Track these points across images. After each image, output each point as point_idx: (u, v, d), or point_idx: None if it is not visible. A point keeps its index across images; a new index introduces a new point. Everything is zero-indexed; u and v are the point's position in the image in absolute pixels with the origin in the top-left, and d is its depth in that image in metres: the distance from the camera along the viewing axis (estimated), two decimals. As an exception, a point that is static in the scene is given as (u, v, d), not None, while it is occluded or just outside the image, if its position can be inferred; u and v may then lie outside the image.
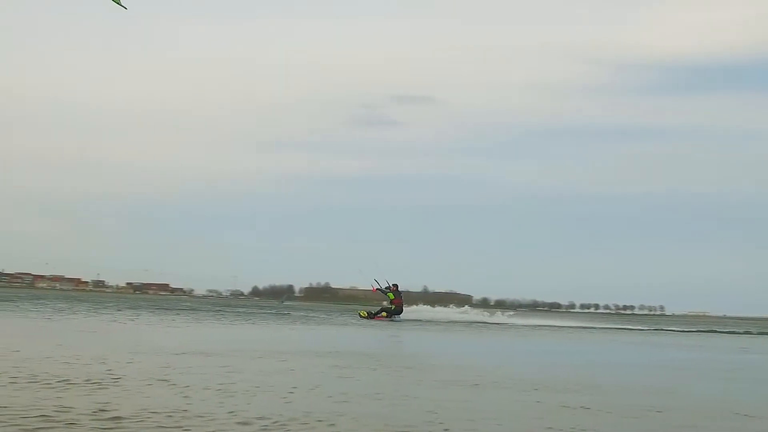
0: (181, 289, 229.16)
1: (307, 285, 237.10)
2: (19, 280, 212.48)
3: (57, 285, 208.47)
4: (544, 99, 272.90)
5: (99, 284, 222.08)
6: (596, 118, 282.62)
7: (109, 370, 13.36)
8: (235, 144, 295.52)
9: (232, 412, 9.71)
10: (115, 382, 12.00)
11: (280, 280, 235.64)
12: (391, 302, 54.48)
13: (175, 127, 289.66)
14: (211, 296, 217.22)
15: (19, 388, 10.83)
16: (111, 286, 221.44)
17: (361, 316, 55.43)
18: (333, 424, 9.24)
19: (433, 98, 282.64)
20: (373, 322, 49.83)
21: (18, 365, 13.19)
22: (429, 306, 64.84)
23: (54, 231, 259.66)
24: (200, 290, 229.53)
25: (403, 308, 54.46)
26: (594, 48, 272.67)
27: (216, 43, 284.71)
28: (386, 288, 54.81)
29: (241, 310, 64.46)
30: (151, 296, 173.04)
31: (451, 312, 62.01)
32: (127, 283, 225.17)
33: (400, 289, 54.44)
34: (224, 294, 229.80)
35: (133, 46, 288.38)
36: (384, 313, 53.83)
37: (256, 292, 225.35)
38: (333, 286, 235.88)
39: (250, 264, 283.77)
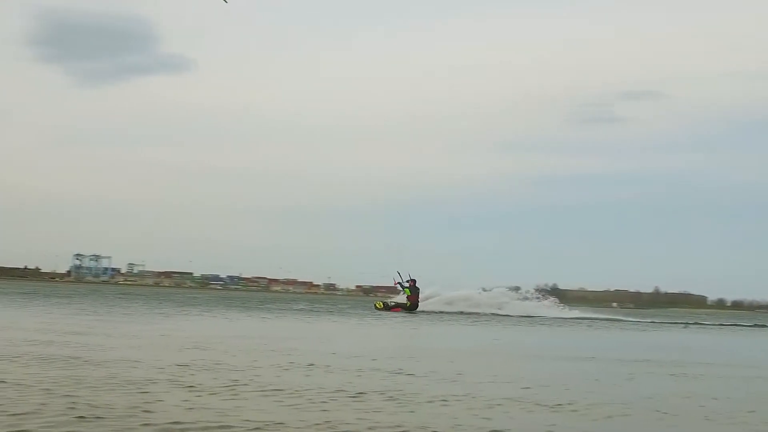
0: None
1: (533, 286, 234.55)
2: (256, 284, 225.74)
3: (290, 288, 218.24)
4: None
5: (330, 287, 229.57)
6: None
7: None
8: (460, 147, 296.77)
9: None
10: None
11: (509, 281, 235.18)
12: (407, 298, 54.87)
13: (400, 135, 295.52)
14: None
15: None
16: (341, 289, 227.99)
17: (376, 308, 56.11)
18: None
19: (661, 93, 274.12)
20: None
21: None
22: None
23: (287, 238, 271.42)
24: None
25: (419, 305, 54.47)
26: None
27: (436, 51, 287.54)
28: (407, 281, 55.06)
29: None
30: (379, 298, 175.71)
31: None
32: (357, 286, 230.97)
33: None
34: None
35: (359, 59, 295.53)
36: (399, 308, 54.30)
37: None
38: (561, 287, 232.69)
39: (481, 265, 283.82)
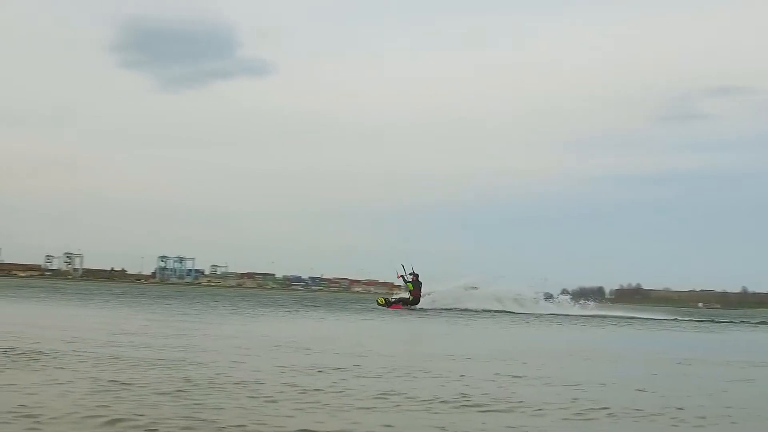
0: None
1: (617, 287, 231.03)
2: (337, 285, 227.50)
3: (371, 289, 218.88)
4: None
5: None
6: None
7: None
8: (536, 145, 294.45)
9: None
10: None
11: (590, 282, 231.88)
12: (410, 293, 53.60)
13: (469, 133, 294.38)
14: (518, 298, 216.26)
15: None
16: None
17: (379, 304, 55.41)
18: None
19: (748, 88, 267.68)
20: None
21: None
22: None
23: (368, 239, 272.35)
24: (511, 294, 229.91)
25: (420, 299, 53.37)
26: None
27: (510, 49, 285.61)
28: (410, 274, 53.74)
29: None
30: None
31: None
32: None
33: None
34: (534, 297, 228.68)
35: (436, 57, 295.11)
36: (401, 303, 53.23)
37: (564, 293, 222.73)
38: (645, 287, 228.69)
39: (560, 266, 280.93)
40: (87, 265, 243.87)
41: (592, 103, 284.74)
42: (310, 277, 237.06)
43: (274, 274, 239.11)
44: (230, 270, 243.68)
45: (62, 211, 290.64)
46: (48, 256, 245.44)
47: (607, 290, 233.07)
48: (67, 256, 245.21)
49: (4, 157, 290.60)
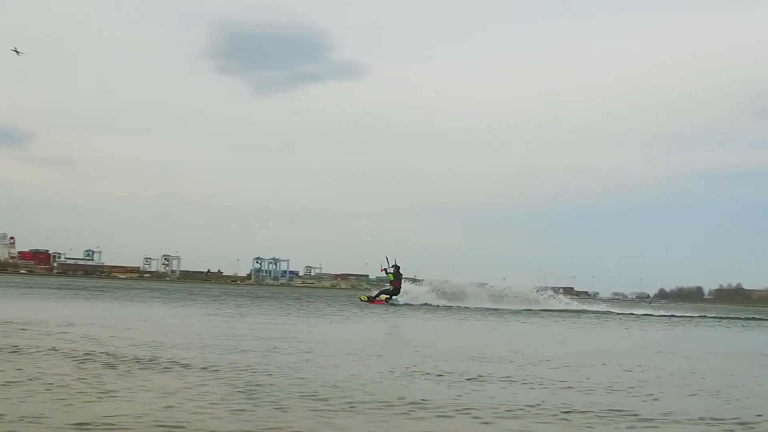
0: (585, 292, 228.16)
1: (716, 287, 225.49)
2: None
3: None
4: None
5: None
6: None
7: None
8: (630, 142, 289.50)
9: None
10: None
11: (688, 282, 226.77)
12: (390, 284, 54.36)
13: (572, 132, 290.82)
14: (616, 299, 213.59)
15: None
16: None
17: (361, 300, 56.03)
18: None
19: None
20: None
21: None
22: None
23: (463, 240, 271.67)
24: (605, 293, 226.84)
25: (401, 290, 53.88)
26: None
27: (601, 48, 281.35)
28: (392, 266, 54.45)
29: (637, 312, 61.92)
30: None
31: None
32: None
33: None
34: (629, 297, 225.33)
35: (523, 56, 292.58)
36: (383, 296, 53.98)
37: (663, 294, 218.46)
38: (746, 287, 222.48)
39: (658, 265, 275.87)
40: (184, 267, 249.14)
41: (690, 98, 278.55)
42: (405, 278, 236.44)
43: (368, 275, 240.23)
44: (324, 271, 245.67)
45: (159, 214, 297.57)
46: (146, 258, 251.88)
47: (706, 290, 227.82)
48: (165, 258, 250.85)
49: (104, 163, 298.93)
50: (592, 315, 50.18)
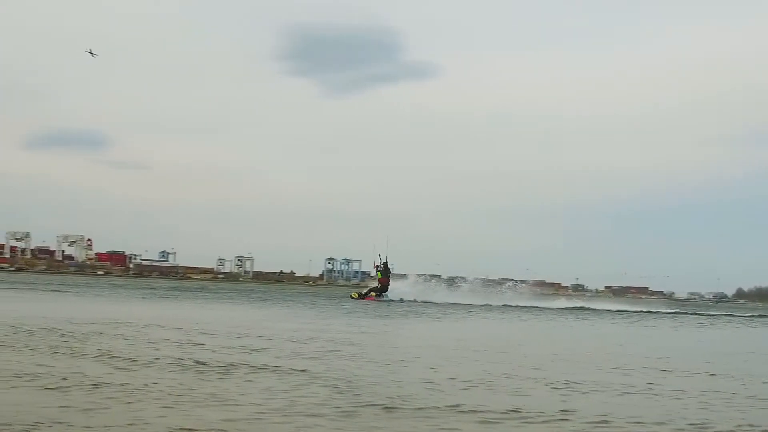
0: (660, 292, 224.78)
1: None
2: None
3: (538, 290, 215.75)
4: None
5: (578, 288, 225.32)
6: None
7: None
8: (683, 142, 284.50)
9: None
10: None
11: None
12: (378, 281, 56.10)
13: (634, 131, 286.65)
14: (693, 299, 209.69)
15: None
16: (590, 290, 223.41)
17: (352, 297, 57.43)
18: None
19: None
20: None
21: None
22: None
23: (533, 239, 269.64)
24: (681, 293, 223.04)
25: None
26: None
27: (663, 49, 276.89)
28: (382, 263, 55.96)
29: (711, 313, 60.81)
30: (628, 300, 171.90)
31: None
32: (606, 287, 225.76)
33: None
34: (706, 297, 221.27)
35: (595, 58, 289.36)
36: (373, 293, 55.38)
37: (740, 294, 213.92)
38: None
39: (736, 265, 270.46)
40: (257, 268, 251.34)
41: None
42: (475, 278, 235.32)
43: (440, 276, 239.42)
44: (396, 271, 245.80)
45: (232, 215, 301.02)
46: (220, 259, 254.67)
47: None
48: (239, 259, 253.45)
49: (179, 167, 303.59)
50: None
